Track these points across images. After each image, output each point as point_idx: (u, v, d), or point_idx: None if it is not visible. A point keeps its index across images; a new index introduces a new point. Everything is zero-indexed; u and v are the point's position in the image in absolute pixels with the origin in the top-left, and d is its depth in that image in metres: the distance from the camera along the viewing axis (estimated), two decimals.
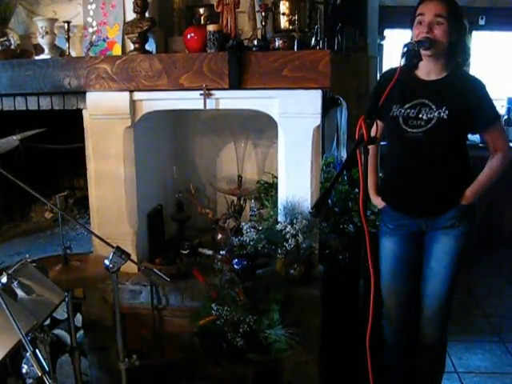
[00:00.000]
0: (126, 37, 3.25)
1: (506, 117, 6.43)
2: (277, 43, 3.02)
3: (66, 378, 3.17)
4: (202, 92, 3.03)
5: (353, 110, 4.52)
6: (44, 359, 1.77)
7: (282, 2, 3.16)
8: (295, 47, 3.00)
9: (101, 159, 3.29)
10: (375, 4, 6.07)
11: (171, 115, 3.78)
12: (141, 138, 3.34)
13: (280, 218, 3.12)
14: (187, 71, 3.03)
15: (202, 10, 3.37)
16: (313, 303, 3.01)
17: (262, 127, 3.73)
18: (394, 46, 6.44)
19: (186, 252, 3.34)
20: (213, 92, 3.05)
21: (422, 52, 2.55)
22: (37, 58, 3.39)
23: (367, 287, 2.28)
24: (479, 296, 4.82)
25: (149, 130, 3.47)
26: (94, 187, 3.37)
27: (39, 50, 3.44)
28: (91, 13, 3.36)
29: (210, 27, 3.05)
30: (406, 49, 2.48)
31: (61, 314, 3.29)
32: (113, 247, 2.29)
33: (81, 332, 3.31)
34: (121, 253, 2.28)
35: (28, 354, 1.72)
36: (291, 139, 3.07)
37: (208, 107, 3.06)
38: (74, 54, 3.43)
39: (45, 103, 3.29)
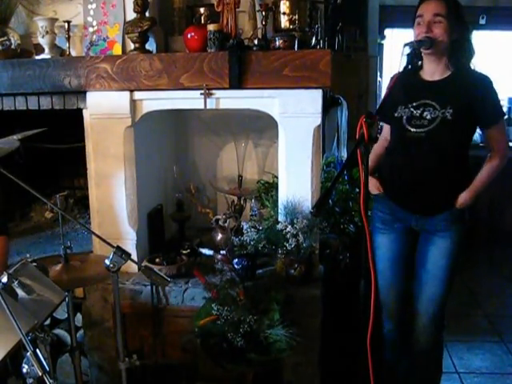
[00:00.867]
0: (126, 36, 3.25)
1: (506, 116, 6.43)
2: (277, 43, 3.02)
3: (66, 377, 3.17)
4: (202, 92, 3.02)
5: (353, 110, 4.52)
6: (44, 359, 1.77)
7: (282, 2, 3.16)
8: (296, 47, 2.99)
9: (101, 159, 3.29)
10: (375, 3, 6.07)
11: (171, 115, 3.78)
12: (141, 138, 3.34)
13: (280, 218, 3.12)
14: (187, 71, 3.03)
15: (202, 10, 3.36)
16: (313, 303, 3.01)
17: (262, 127, 3.73)
18: (394, 46, 6.45)
19: (186, 252, 3.33)
20: (213, 92, 3.04)
21: (423, 51, 2.55)
22: (37, 57, 3.38)
23: (368, 287, 2.29)
24: (480, 296, 4.82)
25: (149, 130, 3.47)
26: (94, 187, 3.36)
27: (39, 49, 3.44)
28: (91, 12, 3.36)
29: (211, 27, 3.04)
30: (406, 48, 2.48)
31: (61, 313, 3.29)
32: (113, 247, 2.28)
33: (81, 332, 3.31)
34: (121, 252, 2.27)
35: (28, 353, 1.71)
36: (292, 139, 3.07)
37: (208, 107, 3.06)
38: (74, 53, 3.43)
39: (45, 103, 3.28)
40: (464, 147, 2.71)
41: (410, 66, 2.59)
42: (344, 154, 4.26)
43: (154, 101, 3.20)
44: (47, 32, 3.31)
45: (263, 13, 3.07)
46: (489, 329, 4.30)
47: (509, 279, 5.19)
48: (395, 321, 2.97)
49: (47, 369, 1.72)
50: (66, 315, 3.13)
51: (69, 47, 3.32)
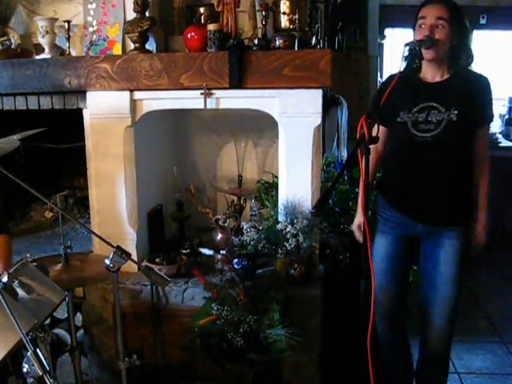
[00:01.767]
0: (126, 36, 3.25)
1: (507, 116, 6.43)
2: (277, 42, 3.02)
3: (66, 377, 3.16)
4: (202, 91, 3.03)
5: (353, 110, 4.52)
6: (44, 358, 1.77)
7: (282, 2, 3.17)
8: (296, 46, 2.99)
9: (101, 159, 3.29)
10: (375, 3, 6.07)
11: (171, 115, 3.78)
12: (141, 138, 3.34)
13: (280, 218, 3.12)
14: (187, 70, 3.03)
15: (202, 10, 3.36)
16: (313, 303, 3.01)
17: (262, 127, 3.73)
18: (394, 45, 6.44)
19: (186, 252, 3.34)
20: (213, 91, 3.05)
21: (423, 53, 2.55)
22: (37, 57, 3.39)
23: (367, 287, 2.28)
24: (480, 296, 4.81)
25: (149, 130, 3.47)
26: (94, 187, 3.36)
27: (39, 49, 3.44)
28: (91, 12, 3.36)
29: (211, 26, 3.05)
30: (407, 48, 2.48)
31: (61, 313, 3.28)
32: (113, 247, 2.28)
33: (81, 331, 3.30)
34: (121, 252, 2.27)
35: (29, 353, 1.71)
36: (292, 139, 3.07)
37: (208, 107, 3.06)
38: (74, 53, 3.43)
39: (45, 103, 3.29)
40: (469, 149, 2.70)
41: (410, 66, 2.58)
42: (344, 154, 4.26)
43: (154, 101, 3.20)
44: (47, 32, 3.31)
45: (263, 12, 3.07)
46: (489, 329, 4.30)
47: (509, 279, 5.18)
48: (389, 322, 2.96)
49: (47, 368, 1.73)
50: (66, 315, 3.13)
51: (69, 47, 3.31)
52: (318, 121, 3.03)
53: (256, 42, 3.06)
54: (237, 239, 3.09)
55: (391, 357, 3.05)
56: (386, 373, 3.02)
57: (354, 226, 2.93)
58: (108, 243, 2.30)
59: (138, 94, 3.17)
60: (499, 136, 6.29)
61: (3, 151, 2.55)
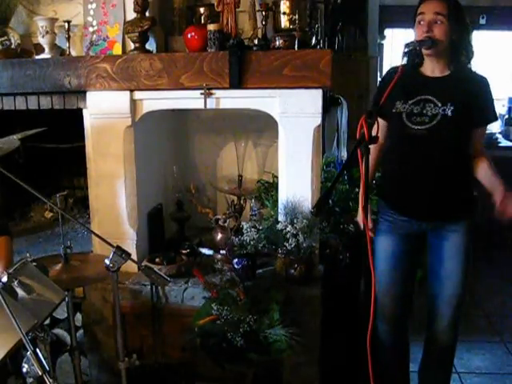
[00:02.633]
0: (126, 36, 3.25)
1: (506, 116, 6.43)
2: (277, 42, 3.02)
3: (65, 377, 3.16)
4: (202, 91, 3.03)
5: (353, 110, 4.51)
6: (44, 358, 1.77)
7: (282, 2, 3.16)
8: (296, 46, 2.99)
9: (101, 159, 3.29)
10: (375, 3, 6.06)
11: (171, 115, 3.78)
12: (141, 138, 3.34)
13: (280, 218, 3.12)
14: (188, 70, 3.03)
15: (202, 10, 3.36)
16: (313, 303, 3.01)
17: (262, 127, 3.73)
18: (394, 46, 6.45)
19: (186, 251, 3.34)
20: (213, 91, 3.05)
21: (424, 51, 2.55)
22: (37, 57, 3.38)
23: (368, 287, 2.28)
24: (480, 296, 4.81)
25: (149, 130, 3.47)
26: (94, 187, 3.37)
27: (39, 49, 3.44)
28: (91, 12, 3.36)
29: (211, 26, 3.04)
30: (407, 48, 2.48)
31: (60, 313, 3.28)
32: (113, 247, 2.27)
33: (81, 331, 3.30)
34: (121, 252, 2.26)
35: (28, 353, 1.72)
36: (292, 139, 3.07)
37: (208, 107, 3.06)
38: (74, 53, 3.42)
39: (45, 103, 3.28)
40: (465, 146, 2.69)
41: (410, 64, 2.58)
42: (344, 154, 4.25)
43: (154, 100, 3.20)
44: (47, 32, 3.31)
45: (263, 13, 3.07)
46: (489, 329, 4.30)
47: (509, 279, 5.18)
48: (390, 322, 2.95)
49: (47, 368, 1.73)
50: (66, 315, 3.13)
51: (69, 47, 3.31)
52: (318, 121, 3.03)
53: (256, 42, 3.06)
54: (237, 239, 3.10)
55: (390, 358, 3.04)
56: (383, 374, 3.02)
57: (359, 218, 2.89)
58: (108, 243, 2.30)
59: (138, 94, 3.17)
60: (499, 136, 6.28)
61: (3, 151, 2.55)
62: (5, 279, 2.06)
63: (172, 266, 3.19)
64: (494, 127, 6.18)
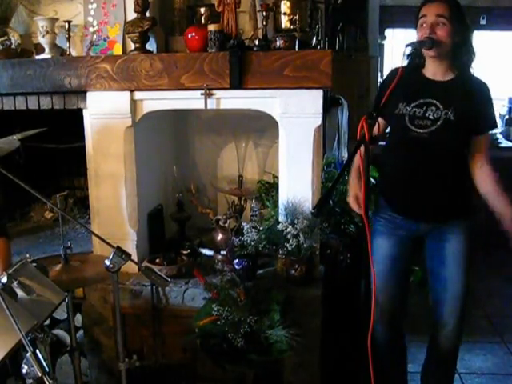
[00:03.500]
0: (126, 36, 3.24)
1: (507, 117, 6.42)
2: (278, 43, 3.01)
3: (65, 378, 3.16)
4: (202, 92, 3.02)
5: (354, 110, 4.50)
6: (44, 359, 1.77)
7: (282, 2, 3.16)
8: (296, 47, 2.98)
9: (101, 159, 3.28)
10: (376, 3, 6.05)
11: (172, 115, 3.77)
12: (141, 138, 3.33)
13: (281, 218, 3.11)
14: (188, 71, 3.02)
15: (202, 10, 3.35)
16: (314, 304, 3.00)
17: (262, 127, 3.72)
18: (394, 46, 6.44)
19: (186, 252, 3.34)
20: (214, 92, 3.04)
21: (425, 52, 2.54)
22: (37, 57, 3.38)
23: (368, 288, 2.28)
24: (480, 296, 4.79)
25: (149, 130, 3.47)
26: (94, 187, 3.36)
27: (40, 49, 3.43)
28: (92, 12, 3.35)
29: (211, 27, 3.04)
30: (408, 49, 2.47)
31: (60, 314, 3.28)
32: (113, 247, 2.27)
33: (80, 332, 3.30)
34: (121, 253, 2.26)
35: (28, 354, 1.71)
36: (292, 139, 3.06)
37: (209, 107, 3.06)
38: (74, 53, 3.42)
39: (45, 103, 3.28)
40: (465, 151, 2.68)
41: (412, 65, 2.57)
42: (345, 155, 4.25)
43: (155, 101, 3.19)
44: (47, 32, 3.30)
45: (264, 13, 3.06)
46: (490, 329, 4.29)
47: (509, 280, 5.17)
48: (387, 323, 2.94)
49: (47, 369, 1.72)
50: (66, 315, 3.13)
51: (69, 47, 3.31)
52: (319, 121, 3.03)
53: (257, 42, 3.05)
54: (237, 240, 3.11)
55: (386, 358, 3.03)
56: (380, 374, 3.01)
57: (350, 198, 2.82)
58: (108, 244, 2.30)
59: (138, 95, 3.16)
60: (499, 136, 6.27)
61: (3, 151, 2.54)
62: (4, 280, 2.06)
63: (172, 266, 3.18)
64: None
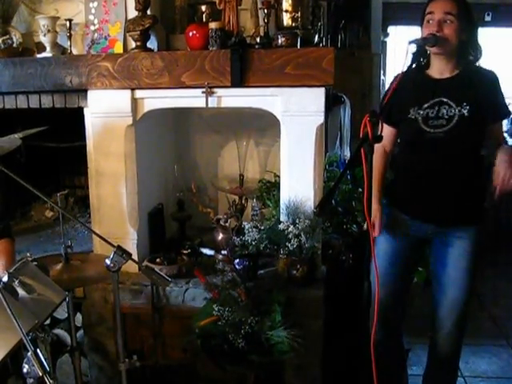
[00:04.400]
0: (127, 35, 3.23)
1: None
2: (279, 40, 2.99)
3: (65, 378, 3.14)
4: (203, 90, 3.01)
5: (356, 108, 4.49)
6: (45, 359, 1.76)
7: None
8: (298, 45, 2.97)
9: (102, 157, 3.27)
10: (378, 1, 6.03)
11: (172, 113, 3.77)
12: (142, 137, 3.32)
13: (282, 218, 3.09)
14: (189, 69, 3.01)
15: (203, 8, 3.33)
16: (315, 304, 2.98)
17: (264, 125, 3.70)
18: (397, 43, 6.42)
19: (186, 252, 3.33)
20: (215, 90, 3.03)
21: (429, 49, 2.52)
22: (39, 56, 3.37)
23: (369, 288, 2.27)
24: (486, 298, 4.77)
25: (150, 129, 3.46)
26: (94, 186, 3.35)
27: (41, 48, 3.42)
28: (93, 11, 3.34)
29: (212, 25, 3.03)
30: (411, 46, 2.45)
31: (60, 313, 3.26)
32: (114, 246, 2.26)
33: (80, 332, 3.29)
34: (122, 252, 2.24)
35: (29, 353, 1.70)
36: (294, 138, 3.04)
37: (210, 105, 3.04)
38: (75, 52, 3.41)
39: (46, 101, 3.27)
40: (480, 146, 2.66)
41: (414, 65, 2.54)
42: (347, 153, 4.24)
43: (156, 99, 3.18)
44: (49, 30, 3.30)
45: (265, 10, 3.05)
46: (495, 332, 4.26)
47: None
48: (385, 324, 2.91)
49: (48, 369, 1.71)
50: (66, 315, 3.12)
51: (70, 46, 3.30)
52: (321, 119, 3.01)
53: (258, 40, 3.03)
54: (238, 239, 3.08)
55: (384, 359, 3.01)
56: (380, 376, 2.99)
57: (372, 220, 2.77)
58: (109, 243, 2.28)
59: (139, 93, 3.15)
60: (505, 135, 6.25)
61: (4, 150, 2.53)
62: (5, 279, 2.05)
63: (173, 266, 3.17)
64: None
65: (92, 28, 3.35)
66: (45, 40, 3.33)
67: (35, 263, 2.33)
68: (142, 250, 3.37)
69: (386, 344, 2.92)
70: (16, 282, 2.08)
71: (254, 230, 3.05)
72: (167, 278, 2.43)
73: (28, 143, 3.08)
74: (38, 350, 1.74)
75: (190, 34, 3.13)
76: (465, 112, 2.54)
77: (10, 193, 3.33)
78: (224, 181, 4.00)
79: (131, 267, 2.87)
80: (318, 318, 2.99)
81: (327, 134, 3.96)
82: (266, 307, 2.75)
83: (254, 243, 3.01)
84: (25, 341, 1.68)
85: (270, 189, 3.53)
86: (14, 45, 3.40)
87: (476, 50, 2.60)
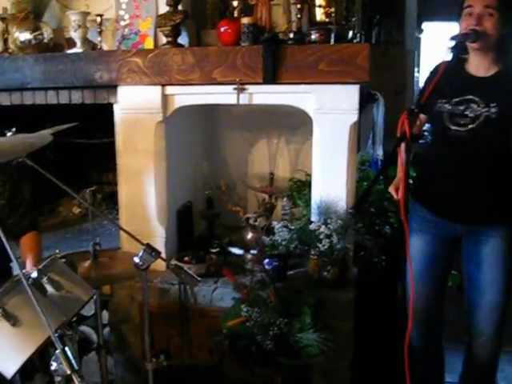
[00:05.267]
0: (158, 30, 3.23)
1: None
2: (313, 36, 2.95)
3: (90, 375, 3.12)
4: (235, 86, 2.97)
5: (389, 106, 4.41)
6: (73, 357, 1.73)
7: None
8: (332, 40, 2.93)
9: (131, 154, 3.27)
10: None
11: (202, 110, 3.74)
12: (171, 133, 3.31)
13: (313, 218, 3.05)
14: (220, 65, 2.99)
15: (235, 3, 3.29)
16: (346, 307, 2.93)
17: (295, 123, 3.67)
18: (432, 40, 6.32)
19: (215, 250, 3.31)
20: (246, 86, 3.00)
21: (469, 45, 2.45)
22: (69, 51, 3.38)
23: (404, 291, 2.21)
24: None
25: (179, 125, 3.44)
26: (123, 183, 3.35)
27: (71, 43, 3.44)
28: (123, 6, 3.34)
29: (244, 20, 3.01)
30: (452, 42, 2.38)
31: (86, 310, 3.23)
32: (143, 244, 2.24)
33: (106, 329, 3.27)
34: (151, 250, 2.23)
35: (57, 351, 1.68)
36: (326, 136, 3.00)
37: (241, 102, 3.01)
38: (105, 47, 3.42)
39: (76, 97, 3.29)
40: (508, 148, 2.58)
41: (456, 59, 2.47)
42: (379, 153, 4.16)
43: (186, 95, 3.16)
44: (79, 26, 3.32)
45: (298, 5, 3.01)
46: None
47: None
48: (422, 327, 2.84)
49: (76, 367, 1.69)
50: (91, 312, 3.10)
51: (100, 41, 3.31)
52: (355, 118, 2.96)
53: (291, 36, 3.00)
54: (268, 239, 3.04)
55: (424, 365, 2.94)
56: (415, 382, 2.92)
57: (392, 186, 2.77)
58: (138, 240, 2.27)
59: (169, 89, 3.14)
60: None
61: (35, 146, 2.51)
62: (34, 275, 2.03)
63: (201, 265, 3.16)
64: None
65: (122, 23, 3.34)
66: (75, 35, 3.35)
67: (64, 260, 2.31)
68: (170, 247, 3.35)
69: (424, 350, 2.86)
70: (45, 278, 2.06)
71: (284, 229, 3.00)
72: (196, 277, 2.40)
73: (57, 139, 3.07)
74: (67, 348, 1.71)
75: (222, 29, 3.11)
76: (492, 113, 2.44)
77: (39, 188, 3.33)
78: (254, 179, 3.97)
79: (159, 265, 2.84)
80: (349, 320, 2.93)
81: (360, 133, 3.90)
82: (295, 309, 2.70)
83: (284, 243, 2.96)
84: (53, 338, 1.66)
85: (300, 188, 3.48)
86: (45, 40, 3.43)
87: None
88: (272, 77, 2.90)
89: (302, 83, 2.93)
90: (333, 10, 2.99)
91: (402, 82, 5.67)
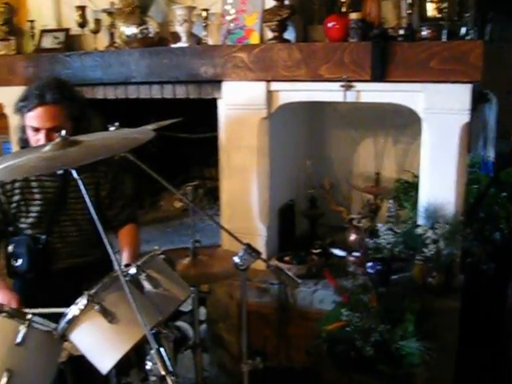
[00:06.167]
0: (264, 25, 3.20)
1: None
2: (424, 33, 2.84)
3: (185, 372, 3.13)
4: (342, 83, 2.91)
5: (502, 106, 4.21)
6: (168, 358, 1.72)
7: None
8: (443, 37, 2.81)
9: (234, 150, 3.28)
10: None
11: (306, 106, 3.71)
12: (275, 130, 3.28)
13: (420, 221, 2.94)
14: (327, 61, 2.93)
15: None
16: (451, 316, 2.80)
17: (403, 122, 3.57)
18: None
19: (317, 251, 3.27)
20: (353, 84, 2.92)
21: None
22: (173, 46, 3.41)
23: None
24: None
25: (283, 122, 3.41)
26: (225, 179, 3.36)
27: (176, 37, 3.47)
28: (230, 0, 3.34)
29: (353, 15, 2.94)
30: None
31: (183, 305, 3.25)
32: (243, 244, 2.20)
33: (203, 326, 3.29)
34: (251, 250, 2.19)
35: (152, 351, 1.69)
36: (436, 136, 2.88)
37: (348, 100, 2.95)
38: (210, 42, 3.43)
39: (180, 92, 3.32)
40: None
41: None
42: (491, 155, 3.97)
43: (291, 92, 3.13)
44: (185, 20, 3.35)
45: (409, 0, 2.91)
46: None
47: None
48: None
49: (171, 369, 1.69)
50: (189, 307, 3.10)
51: (206, 36, 3.34)
52: (466, 118, 2.83)
53: (401, 32, 2.90)
54: (372, 241, 2.96)
55: None
56: None
57: None
58: (238, 240, 2.23)
59: (274, 85, 3.12)
60: None
61: (138, 142, 2.53)
62: (133, 271, 2.02)
63: (302, 266, 3.13)
64: None
65: (228, 18, 3.34)
66: (180, 30, 3.37)
67: (163, 257, 2.31)
68: (270, 246, 3.33)
69: None
70: (143, 275, 2.05)
71: (389, 232, 2.92)
72: (297, 279, 2.35)
73: (160, 133, 3.10)
74: (162, 350, 1.70)
75: (330, 24, 3.05)
76: None
77: (141, 182, 3.37)
78: (359, 179, 3.91)
79: (258, 265, 2.80)
80: (453, 330, 2.81)
81: (470, 134, 3.75)
82: (398, 315, 2.62)
83: (388, 246, 2.88)
84: (148, 337, 1.66)
85: (407, 189, 3.38)
86: (151, 34, 3.51)
87: None
88: (381, 74, 2.82)
89: (412, 81, 2.83)
90: (445, 5, 2.86)
91: None
